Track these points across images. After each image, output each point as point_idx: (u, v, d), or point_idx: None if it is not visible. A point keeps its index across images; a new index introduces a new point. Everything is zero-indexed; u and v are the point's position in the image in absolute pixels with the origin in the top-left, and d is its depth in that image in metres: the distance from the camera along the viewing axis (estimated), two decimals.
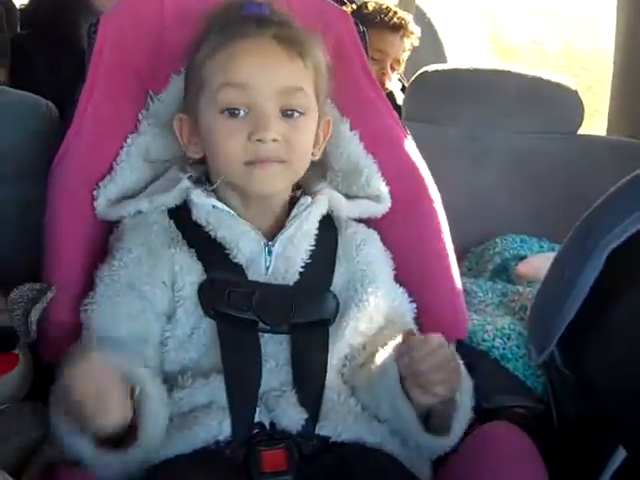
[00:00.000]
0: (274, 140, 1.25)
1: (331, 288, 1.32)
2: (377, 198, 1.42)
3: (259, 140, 1.24)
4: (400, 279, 1.40)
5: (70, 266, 1.35)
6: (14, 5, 2.24)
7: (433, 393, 1.18)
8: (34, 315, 1.26)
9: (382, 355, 1.26)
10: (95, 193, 1.36)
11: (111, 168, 1.38)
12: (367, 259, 1.36)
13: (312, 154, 1.36)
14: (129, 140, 1.39)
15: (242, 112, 1.26)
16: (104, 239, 1.36)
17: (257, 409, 1.22)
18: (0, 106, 1.55)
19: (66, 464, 1.15)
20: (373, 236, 1.40)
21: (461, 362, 1.21)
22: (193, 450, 1.18)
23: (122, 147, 1.39)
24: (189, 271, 1.27)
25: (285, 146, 1.26)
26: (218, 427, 1.19)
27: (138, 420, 1.13)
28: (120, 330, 1.24)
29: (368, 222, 1.43)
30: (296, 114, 1.28)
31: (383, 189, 1.43)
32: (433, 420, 1.23)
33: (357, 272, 1.34)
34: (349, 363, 1.31)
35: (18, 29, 2.21)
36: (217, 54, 1.27)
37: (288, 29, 1.29)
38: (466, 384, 1.23)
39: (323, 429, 1.22)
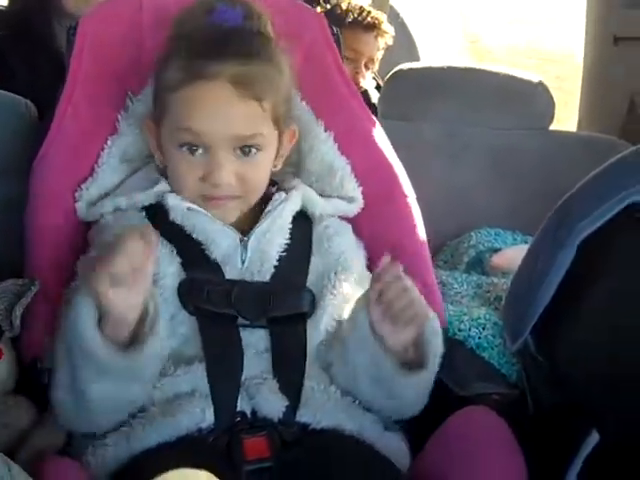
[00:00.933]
0: (228, 184, 1.29)
1: (307, 281, 1.35)
2: (350, 199, 1.46)
3: (213, 185, 1.29)
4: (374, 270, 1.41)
5: (51, 264, 1.37)
6: None
7: (405, 330, 1.22)
8: (18, 309, 1.27)
9: (350, 311, 1.30)
10: (77, 195, 1.38)
11: (92, 170, 1.40)
12: (340, 248, 1.39)
13: (274, 167, 1.39)
14: (109, 142, 1.41)
15: (200, 150, 1.29)
16: (84, 237, 1.38)
17: (239, 397, 1.23)
18: None
19: (54, 453, 1.19)
20: (345, 227, 1.44)
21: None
22: (176, 438, 1.19)
23: (103, 148, 1.41)
24: (169, 262, 1.30)
25: (240, 184, 1.31)
26: (201, 415, 1.21)
27: (145, 336, 1.17)
28: None
29: (341, 218, 1.46)
30: (253, 150, 1.31)
31: (356, 190, 1.47)
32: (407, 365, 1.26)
33: (330, 262, 1.37)
34: (324, 349, 1.33)
35: None
36: (177, 92, 1.29)
37: (250, 64, 1.29)
38: (434, 324, 1.28)
39: (303, 416, 1.24)
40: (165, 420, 1.20)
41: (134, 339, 1.18)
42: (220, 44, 1.29)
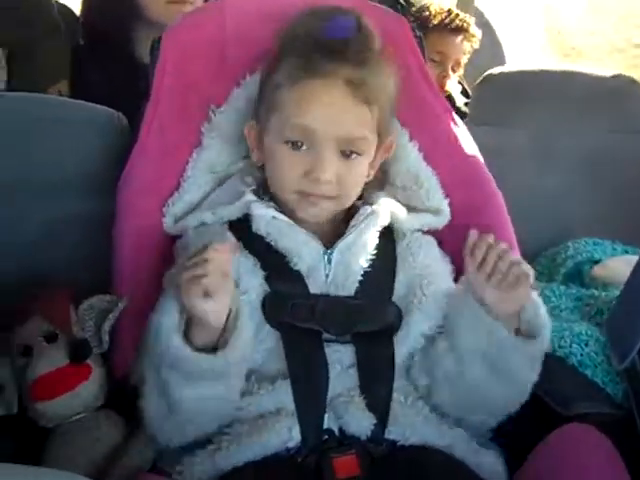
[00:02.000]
0: (329, 182, 1.28)
1: (393, 297, 1.32)
2: (436, 211, 1.42)
3: (314, 180, 1.28)
4: None
5: (138, 279, 1.37)
6: (75, 16, 2.25)
7: (513, 293, 1.21)
8: (107, 325, 1.28)
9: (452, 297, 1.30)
10: (164, 210, 1.38)
11: (178, 184, 1.40)
12: (424, 263, 1.36)
13: (367, 176, 1.37)
14: (194, 155, 1.41)
15: (304, 147, 1.28)
16: (170, 251, 1.37)
17: (326, 415, 1.22)
18: (71, 119, 1.56)
19: (146, 473, 1.19)
20: (430, 241, 1.41)
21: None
22: (263, 457, 1.18)
23: (187, 162, 1.41)
24: (253, 275, 1.29)
25: (338, 185, 1.29)
26: (288, 433, 1.20)
27: (231, 332, 1.18)
28: None
29: (428, 232, 1.42)
30: (354, 155, 1.30)
31: (443, 202, 1.43)
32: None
33: (416, 277, 1.34)
34: (415, 360, 1.31)
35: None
36: (292, 88, 1.29)
37: (362, 69, 1.28)
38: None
39: (392, 433, 1.23)
40: (251, 439, 1.20)
41: (221, 342, 1.18)
42: (339, 46, 1.28)
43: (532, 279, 1.22)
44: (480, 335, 1.24)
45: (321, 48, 1.28)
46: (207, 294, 1.12)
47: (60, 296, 1.33)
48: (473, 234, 1.23)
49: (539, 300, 1.26)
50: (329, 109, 1.27)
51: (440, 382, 1.29)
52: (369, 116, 1.30)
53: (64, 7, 2.33)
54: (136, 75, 1.60)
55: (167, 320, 1.16)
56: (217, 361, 1.16)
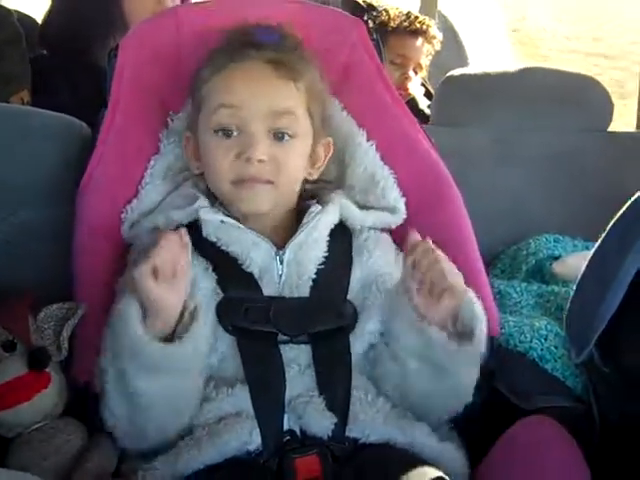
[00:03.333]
0: (260, 161, 1.28)
1: (348, 294, 1.33)
2: (392, 209, 1.43)
3: (247, 160, 1.27)
4: None
5: (98, 286, 1.36)
6: (35, 24, 2.25)
7: (442, 302, 1.21)
8: (65, 332, 1.27)
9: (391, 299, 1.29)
10: (122, 217, 1.38)
11: (136, 191, 1.40)
12: (380, 260, 1.37)
13: (310, 174, 1.38)
14: (152, 162, 1.41)
15: (235, 133, 1.29)
16: (126, 256, 1.37)
17: (286, 416, 1.23)
18: (33, 127, 1.55)
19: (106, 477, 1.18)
20: (385, 238, 1.41)
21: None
22: (224, 460, 1.18)
23: (145, 168, 1.41)
24: (205, 278, 1.29)
25: (273, 167, 1.29)
26: (248, 436, 1.20)
27: (187, 325, 1.19)
28: None
29: (383, 230, 1.43)
30: (286, 137, 1.31)
31: (399, 201, 1.43)
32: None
33: (371, 274, 1.35)
34: (369, 356, 1.31)
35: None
36: (214, 76, 1.32)
37: (283, 53, 1.32)
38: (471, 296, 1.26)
39: (353, 431, 1.23)
40: (212, 442, 1.19)
41: (178, 333, 1.19)
42: (258, 40, 1.33)
43: (458, 295, 1.22)
44: (413, 336, 1.24)
45: (242, 42, 1.33)
46: (160, 278, 1.14)
47: (18, 305, 1.32)
48: (413, 236, 1.23)
49: (472, 298, 1.25)
50: (252, 84, 1.30)
51: (383, 379, 1.29)
52: (294, 91, 1.31)
53: (25, 16, 2.33)
54: (101, 84, 1.60)
55: (127, 308, 1.16)
56: (172, 350, 1.16)
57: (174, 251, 1.16)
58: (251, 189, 1.30)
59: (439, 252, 1.21)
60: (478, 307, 1.25)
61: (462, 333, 1.24)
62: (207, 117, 1.32)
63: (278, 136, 1.30)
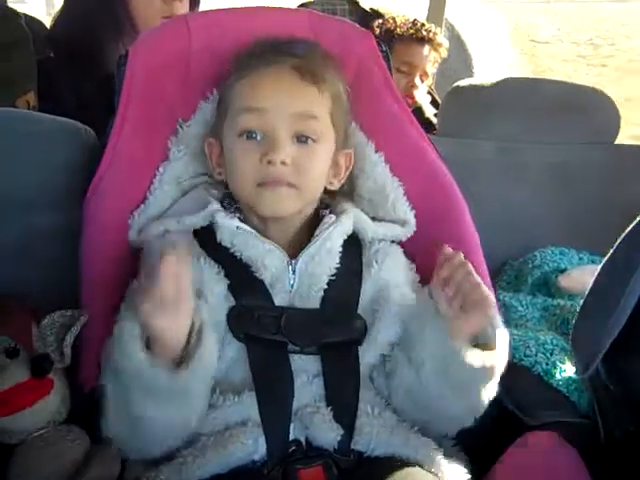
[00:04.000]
0: (283, 163, 1.28)
1: (358, 306, 1.32)
2: (403, 222, 1.43)
3: (269, 162, 1.27)
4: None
5: (105, 292, 1.36)
6: (42, 27, 2.24)
7: (474, 315, 1.21)
8: (69, 339, 1.27)
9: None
10: (130, 222, 1.38)
11: (144, 197, 1.40)
12: (390, 272, 1.37)
13: (331, 184, 1.39)
14: (161, 169, 1.41)
15: (259, 136, 1.30)
16: (136, 264, 1.35)
17: (292, 426, 1.22)
18: (37, 132, 1.55)
19: None
20: (396, 250, 1.41)
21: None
22: (229, 470, 1.18)
23: (154, 175, 1.41)
24: (217, 283, 1.29)
25: (295, 171, 1.29)
26: (254, 445, 1.19)
27: (193, 350, 1.16)
28: None
29: (393, 241, 1.43)
30: (309, 141, 1.31)
31: (409, 214, 1.44)
32: None
33: (382, 286, 1.35)
34: (378, 367, 1.32)
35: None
36: (240, 81, 1.32)
37: (308, 61, 1.32)
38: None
39: (358, 444, 1.23)
40: (217, 451, 1.19)
41: (184, 357, 1.17)
42: (284, 45, 1.34)
43: (493, 304, 1.22)
44: (438, 346, 1.24)
45: (269, 48, 1.34)
46: (163, 309, 1.11)
47: (21, 311, 1.32)
48: (446, 250, 1.23)
49: (497, 314, 1.26)
50: (278, 88, 1.30)
51: (397, 390, 1.29)
52: (318, 96, 1.32)
53: (33, 19, 2.33)
54: (108, 89, 1.59)
55: (129, 332, 1.15)
56: (177, 379, 1.15)
57: (177, 278, 1.13)
58: (274, 191, 1.29)
59: (469, 265, 1.22)
60: (500, 322, 1.26)
61: (484, 347, 1.24)
62: (232, 121, 1.32)
63: (302, 140, 1.30)
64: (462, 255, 1.23)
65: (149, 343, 1.15)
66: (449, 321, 1.23)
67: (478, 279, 1.22)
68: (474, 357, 1.22)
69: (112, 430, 1.21)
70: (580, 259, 1.82)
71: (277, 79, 1.31)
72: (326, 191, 1.39)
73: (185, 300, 1.15)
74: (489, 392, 1.27)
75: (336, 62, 1.39)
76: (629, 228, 1.24)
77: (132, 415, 1.17)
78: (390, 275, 1.36)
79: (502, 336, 1.25)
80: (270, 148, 1.28)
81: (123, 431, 1.20)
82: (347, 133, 1.40)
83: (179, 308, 1.14)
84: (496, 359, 1.24)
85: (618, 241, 1.25)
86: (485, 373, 1.24)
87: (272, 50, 1.34)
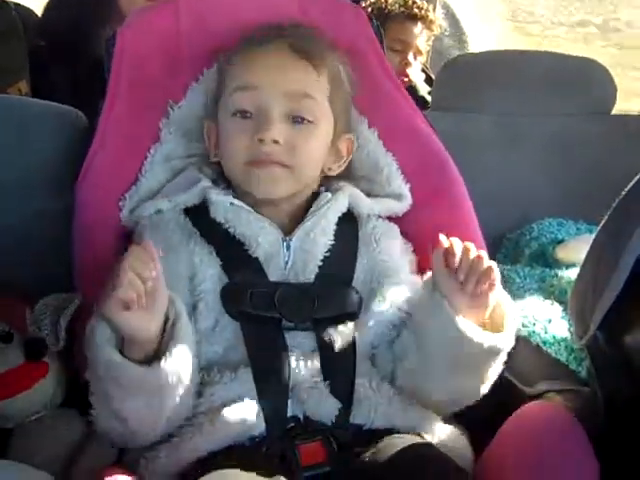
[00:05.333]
0: (275, 142, 1.27)
1: (353, 282, 1.32)
2: (398, 197, 1.43)
3: (260, 140, 1.27)
4: (426, 271, 1.37)
5: (98, 275, 1.32)
6: (33, 15, 2.24)
7: (484, 298, 1.19)
8: (62, 322, 1.26)
9: (419, 293, 1.28)
10: (121, 204, 1.37)
11: (136, 179, 1.39)
12: (388, 252, 1.36)
13: (330, 169, 1.38)
14: (152, 150, 1.41)
15: (252, 115, 1.29)
16: (129, 245, 1.35)
17: (289, 402, 1.22)
18: (29, 117, 1.55)
19: (109, 469, 1.17)
20: (393, 229, 1.41)
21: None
22: (228, 446, 1.17)
23: (145, 157, 1.40)
24: (209, 264, 1.28)
25: (288, 151, 1.29)
26: (252, 421, 1.19)
27: (166, 345, 1.14)
28: None
29: (390, 218, 1.43)
30: (305, 122, 1.30)
31: (403, 188, 1.43)
32: None
33: (378, 265, 1.35)
34: (379, 349, 1.31)
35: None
36: (235, 60, 1.32)
37: (306, 41, 1.32)
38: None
39: (357, 417, 1.22)
40: (214, 429, 1.18)
41: (159, 351, 1.16)
42: (280, 25, 1.34)
43: (498, 292, 1.21)
44: (446, 331, 1.22)
45: (265, 29, 1.34)
46: (128, 308, 1.09)
47: (15, 296, 1.33)
48: (443, 240, 1.21)
49: (506, 296, 1.25)
50: (271, 66, 1.30)
51: (403, 372, 1.28)
52: (314, 77, 1.31)
53: (23, 8, 2.32)
54: (101, 73, 1.59)
55: (99, 332, 1.13)
56: (151, 374, 1.13)
57: (143, 274, 1.10)
58: (266, 170, 1.29)
59: (474, 248, 1.20)
60: (510, 305, 1.25)
61: (491, 325, 1.24)
62: (226, 100, 1.32)
63: (297, 120, 1.30)
64: (463, 243, 1.21)
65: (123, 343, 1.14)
66: (462, 308, 1.21)
67: (486, 262, 1.19)
68: (485, 339, 1.21)
69: (100, 424, 1.21)
70: (577, 229, 1.82)
71: (271, 57, 1.31)
72: (324, 176, 1.39)
73: (156, 297, 1.12)
74: (495, 372, 1.27)
75: (335, 47, 1.37)
76: (620, 197, 1.23)
77: (114, 408, 1.16)
78: (387, 253, 1.36)
79: (512, 318, 1.24)
80: (261, 127, 1.27)
81: (109, 424, 1.19)
82: (348, 118, 1.39)
83: (149, 303, 1.11)
84: (506, 340, 1.24)
85: (609, 211, 1.24)
86: (495, 356, 1.24)
87: (269, 31, 1.34)
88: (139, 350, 1.14)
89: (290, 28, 1.35)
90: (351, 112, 1.43)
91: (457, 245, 1.20)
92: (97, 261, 1.37)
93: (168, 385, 1.15)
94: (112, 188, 1.39)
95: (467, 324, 1.20)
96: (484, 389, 1.28)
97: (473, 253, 1.19)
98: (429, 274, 1.29)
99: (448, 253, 1.20)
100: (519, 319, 1.46)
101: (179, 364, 1.15)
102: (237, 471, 1.06)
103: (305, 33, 1.35)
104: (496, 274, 1.20)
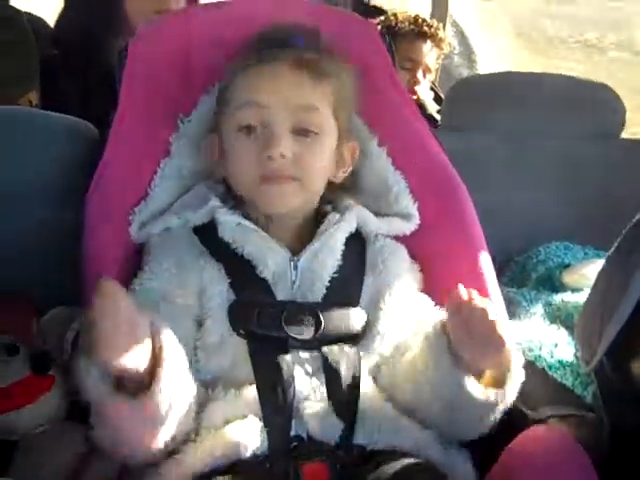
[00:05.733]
0: (283, 156, 1.27)
1: (360, 302, 1.32)
2: (406, 216, 1.42)
3: (269, 157, 1.26)
4: (432, 292, 1.39)
5: None
6: (45, 25, 2.25)
7: (489, 355, 1.18)
8: (69, 335, 1.26)
9: (424, 334, 1.26)
10: (130, 218, 1.36)
11: (145, 193, 1.39)
12: (394, 271, 1.36)
13: (334, 177, 1.37)
14: (162, 164, 1.40)
15: (258, 130, 1.29)
16: (137, 261, 1.36)
17: (293, 421, 1.21)
18: (40, 129, 1.55)
19: None
20: (400, 249, 1.40)
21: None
22: (230, 463, 1.16)
23: (155, 171, 1.40)
24: (218, 282, 1.28)
25: (296, 164, 1.28)
26: (255, 440, 1.18)
27: (154, 374, 1.11)
28: None
29: (397, 237, 1.42)
30: (311, 134, 1.30)
31: (412, 207, 1.43)
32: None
33: (384, 284, 1.34)
34: (381, 370, 1.31)
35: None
36: (240, 75, 1.31)
37: (311, 55, 1.31)
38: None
39: (359, 438, 1.21)
40: (217, 445, 1.18)
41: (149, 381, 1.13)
42: (285, 37, 1.32)
43: (505, 350, 1.19)
44: (445, 381, 1.21)
45: (269, 39, 1.32)
46: (113, 349, 1.05)
47: (22, 308, 1.32)
48: (459, 291, 1.19)
49: (516, 354, 1.23)
50: (277, 83, 1.29)
51: (398, 397, 1.28)
52: (319, 90, 1.31)
53: (35, 18, 2.33)
54: (111, 86, 1.59)
55: (85, 370, 1.11)
56: (140, 404, 1.11)
57: (117, 314, 1.06)
58: (274, 186, 1.29)
59: (488, 304, 1.18)
60: (517, 360, 1.23)
61: (495, 379, 1.22)
62: (231, 116, 1.31)
63: (302, 133, 1.29)
64: (477, 294, 1.19)
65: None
66: (465, 360, 1.19)
67: (496, 319, 1.17)
68: (485, 395, 1.20)
69: (101, 442, 1.18)
70: (585, 254, 1.81)
71: (276, 73, 1.30)
72: (329, 183, 1.38)
73: (136, 332, 1.09)
74: (491, 421, 1.24)
75: (337, 51, 1.37)
76: (630, 224, 1.23)
77: (110, 431, 1.15)
78: (394, 273, 1.36)
79: (515, 375, 1.22)
80: (268, 143, 1.27)
81: (108, 444, 1.17)
82: (350, 125, 1.39)
83: (131, 341, 1.07)
84: (506, 396, 1.22)
85: (620, 238, 1.24)
86: (493, 407, 1.22)
87: (272, 43, 1.32)
88: (129, 381, 1.11)
89: (294, 40, 1.34)
90: (354, 120, 1.43)
91: (475, 299, 1.18)
92: (105, 274, 1.33)
93: (158, 413, 1.12)
94: (122, 201, 1.38)
95: (468, 382, 1.19)
96: (481, 430, 1.26)
97: (483, 308, 1.17)
98: (439, 314, 1.28)
99: (459, 305, 1.18)
100: (525, 343, 1.45)
101: (167, 392, 1.12)
102: None
103: (309, 42, 1.34)
104: (505, 335, 1.17)
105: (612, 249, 1.26)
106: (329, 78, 1.32)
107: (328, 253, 1.32)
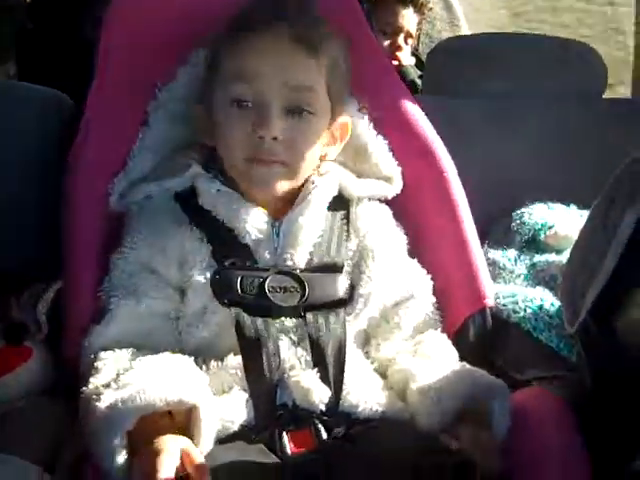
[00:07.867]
0: (275, 138, 1.25)
1: (344, 267, 1.31)
2: (388, 179, 1.42)
3: (260, 138, 1.25)
4: (416, 255, 1.39)
5: (87, 260, 1.34)
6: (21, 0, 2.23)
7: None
8: (41, 306, 1.27)
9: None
10: (109, 188, 1.35)
11: (124, 163, 1.37)
12: (378, 234, 1.36)
13: (326, 154, 1.37)
14: (140, 134, 1.39)
15: (250, 104, 1.27)
16: (117, 231, 1.35)
17: (278, 390, 1.20)
18: (16, 100, 1.54)
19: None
20: (384, 211, 1.40)
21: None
22: (216, 434, 1.15)
23: (134, 141, 1.39)
24: (199, 250, 1.27)
25: (287, 148, 1.27)
26: (241, 409, 1.18)
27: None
28: (140, 308, 1.23)
29: (380, 201, 1.42)
30: (305, 113, 1.28)
31: (394, 170, 1.42)
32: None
33: (368, 247, 1.34)
34: (369, 335, 1.32)
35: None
36: (232, 47, 1.29)
37: (305, 27, 1.29)
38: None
39: (347, 405, 1.22)
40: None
41: None
42: (279, 4, 1.30)
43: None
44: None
45: (263, 8, 1.30)
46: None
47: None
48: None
49: (505, 406, 1.21)
50: (271, 57, 1.27)
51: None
52: (314, 67, 1.29)
53: None
54: (89, 57, 1.57)
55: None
56: None
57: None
58: (264, 167, 1.28)
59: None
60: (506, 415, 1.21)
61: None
62: (223, 88, 1.30)
63: (296, 112, 1.28)
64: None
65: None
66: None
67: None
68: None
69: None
70: (568, 214, 1.80)
71: (270, 47, 1.28)
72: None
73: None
74: None
75: (334, 31, 1.34)
76: (611, 179, 1.22)
77: None
78: (378, 236, 1.36)
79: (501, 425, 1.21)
80: (261, 121, 1.26)
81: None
82: (344, 104, 1.38)
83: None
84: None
85: (598, 197, 1.24)
86: None
87: (267, 13, 1.30)
88: None
89: (291, 10, 1.31)
90: (346, 95, 1.41)
91: None
92: (84, 244, 1.36)
93: None
94: (100, 172, 1.37)
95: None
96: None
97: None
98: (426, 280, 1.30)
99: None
100: (510, 305, 1.45)
101: None
102: None
103: (305, 17, 1.32)
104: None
105: (593, 206, 1.25)
106: (324, 54, 1.30)
107: (310, 218, 1.31)
